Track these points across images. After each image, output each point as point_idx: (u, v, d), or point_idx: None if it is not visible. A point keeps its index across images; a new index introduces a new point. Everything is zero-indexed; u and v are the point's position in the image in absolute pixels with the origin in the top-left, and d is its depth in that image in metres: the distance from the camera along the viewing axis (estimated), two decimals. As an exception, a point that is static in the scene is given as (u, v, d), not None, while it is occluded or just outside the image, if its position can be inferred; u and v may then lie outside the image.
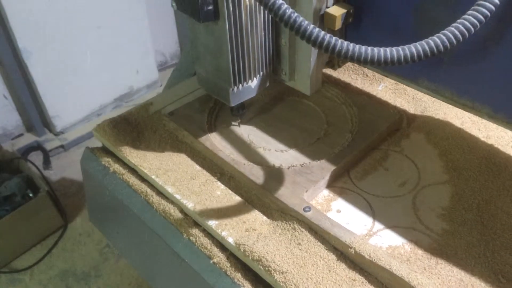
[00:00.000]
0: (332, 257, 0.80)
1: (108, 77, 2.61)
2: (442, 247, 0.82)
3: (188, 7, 0.84)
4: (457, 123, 1.07)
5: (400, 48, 0.69)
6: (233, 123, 1.09)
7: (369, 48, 0.70)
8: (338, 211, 0.90)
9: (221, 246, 0.87)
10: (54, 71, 2.35)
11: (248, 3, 0.85)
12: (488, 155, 0.98)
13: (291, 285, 0.76)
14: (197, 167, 1.00)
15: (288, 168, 0.95)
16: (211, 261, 0.86)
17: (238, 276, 0.82)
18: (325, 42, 0.70)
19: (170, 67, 3.04)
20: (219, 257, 0.85)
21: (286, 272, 0.77)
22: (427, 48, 0.69)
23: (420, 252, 0.81)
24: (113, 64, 2.60)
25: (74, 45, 2.36)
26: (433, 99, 1.07)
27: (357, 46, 0.70)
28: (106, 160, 1.08)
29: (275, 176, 0.93)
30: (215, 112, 1.13)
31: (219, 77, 0.95)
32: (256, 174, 0.94)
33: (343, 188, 0.95)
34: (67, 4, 2.24)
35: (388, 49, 0.70)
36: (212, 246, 0.87)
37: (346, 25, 0.93)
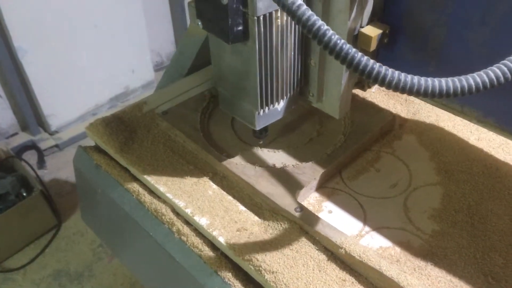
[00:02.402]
0: (322, 257, 0.80)
1: (104, 76, 2.60)
2: (432, 248, 0.82)
3: (216, 27, 0.78)
4: (449, 125, 1.07)
5: (456, 79, 0.63)
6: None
7: (422, 78, 0.64)
8: (330, 211, 0.90)
9: (212, 245, 0.87)
10: (49, 70, 2.34)
11: (280, 23, 0.80)
12: (479, 157, 0.98)
13: (282, 285, 0.76)
14: (190, 167, 1.00)
15: (280, 168, 0.96)
16: (202, 261, 0.85)
17: (228, 276, 0.82)
18: (375, 72, 0.63)
19: (166, 67, 3.03)
20: (210, 256, 0.85)
21: (276, 272, 0.77)
22: (486, 79, 0.61)
23: (410, 253, 0.81)
24: (109, 64, 2.59)
25: (70, 44, 2.36)
26: (425, 101, 1.07)
27: (409, 77, 0.64)
28: (99, 159, 1.08)
29: (267, 176, 0.93)
30: (208, 111, 1.13)
31: (244, 99, 0.89)
32: (248, 174, 0.94)
33: (335, 188, 0.95)
34: (63, 2, 2.24)
35: (443, 80, 0.63)
36: (203, 246, 0.87)
37: (380, 46, 0.87)
